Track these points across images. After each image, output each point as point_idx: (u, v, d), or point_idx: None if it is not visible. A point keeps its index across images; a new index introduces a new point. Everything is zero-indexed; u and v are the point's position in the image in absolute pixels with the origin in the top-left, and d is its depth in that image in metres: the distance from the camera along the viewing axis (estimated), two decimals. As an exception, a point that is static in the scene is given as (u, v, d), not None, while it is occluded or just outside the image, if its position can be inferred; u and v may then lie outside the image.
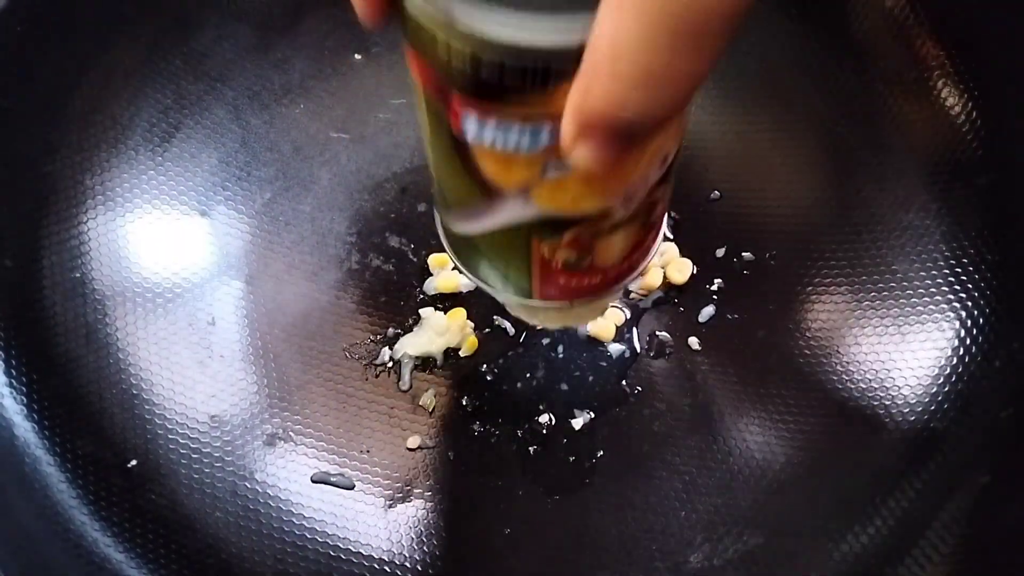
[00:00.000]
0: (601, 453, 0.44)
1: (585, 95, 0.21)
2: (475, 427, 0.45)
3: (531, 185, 0.27)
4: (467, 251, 0.34)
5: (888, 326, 0.44)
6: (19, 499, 0.39)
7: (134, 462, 0.41)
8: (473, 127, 0.25)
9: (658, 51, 0.19)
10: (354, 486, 0.43)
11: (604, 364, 0.47)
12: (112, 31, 0.47)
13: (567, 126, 0.22)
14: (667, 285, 0.48)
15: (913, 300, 0.44)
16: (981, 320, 0.42)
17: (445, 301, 0.48)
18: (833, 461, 0.41)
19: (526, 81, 0.22)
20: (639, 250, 0.33)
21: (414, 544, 0.42)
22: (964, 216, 0.44)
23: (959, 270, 0.43)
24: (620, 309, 0.48)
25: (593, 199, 0.28)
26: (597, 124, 0.21)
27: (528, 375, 0.46)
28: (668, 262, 0.49)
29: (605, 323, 0.47)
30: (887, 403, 0.42)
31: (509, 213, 0.28)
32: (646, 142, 0.25)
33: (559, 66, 0.22)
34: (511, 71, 0.22)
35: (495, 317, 0.47)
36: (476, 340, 0.47)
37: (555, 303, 0.35)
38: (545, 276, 0.32)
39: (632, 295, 0.48)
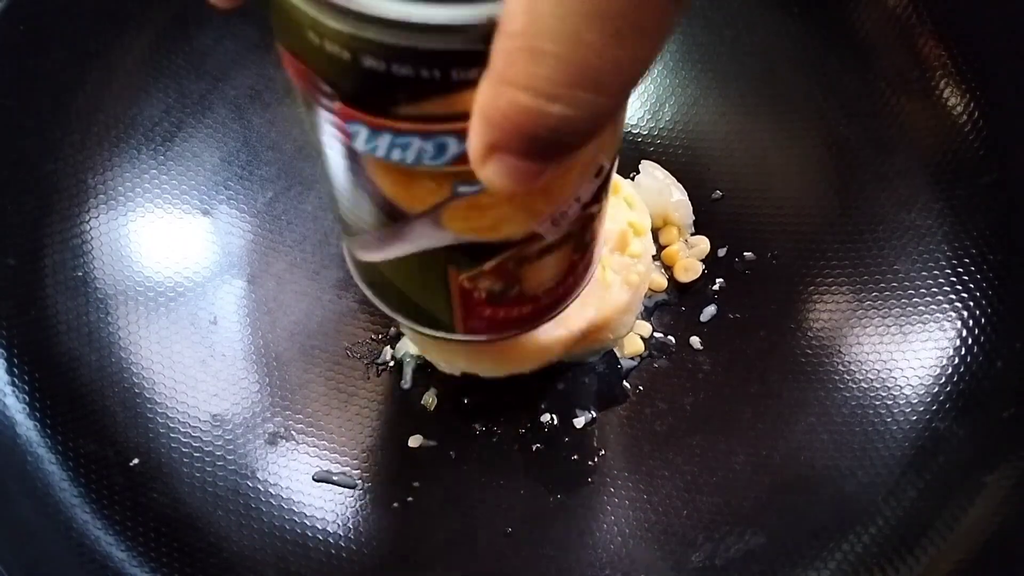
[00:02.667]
0: (603, 452, 0.44)
1: (496, 94, 0.16)
2: (477, 426, 0.45)
3: (440, 206, 0.22)
4: (377, 281, 0.29)
5: (890, 326, 0.44)
6: (21, 497, 0.39)
7: (136, 461, 0.41)
8: (364, 140, 0.20)
9: (591, 31, 0.14)
10: (356, 485, 0.43)
11: (605, 363, 0.47)
12: (114, 30, 0.47)
13: (475, 136, 0.17)
14: (671, 286, 0.49)
15: (915, 300, 0.44)
16: (983, 320, 0.42)
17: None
18: (834, 460, 0.41)
19: (421, 76, 0.18)
20: (573, 274, 0.29)
21: (416, 543, 0.42)
22: (966, 216, 0.44)
23: (961, 270, 0.43)
24: (644, 320, 0.48)
25: (515, 222, 0.24)
26: (513, 133, 0.16)
27: (530, 374, 0.46)
28: (702, 253, 0.49)
29: (632, 337, 0.47)
30: (889, 403, 0.42)
31: (418, 240, 0.24)
32: (574, 155, 0.19)
33: (462, 55, 0.17)
34: (401, 62, 0.17)
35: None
36: (478, 339, 0.47)
37: (481, 337, 0.30)
38: (468, 308, 0.28)
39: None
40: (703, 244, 0.49)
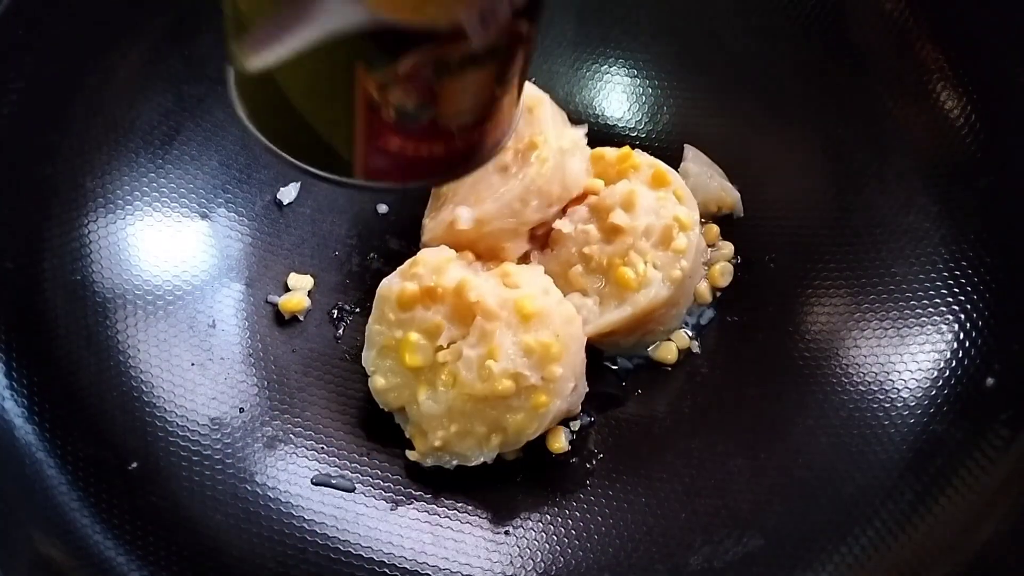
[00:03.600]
0: (601, 455, 0.44)
1: None
2: (475, 429, 0.45)
3: None
4: (267, 100, 0.25)
5: (887, 328, 0.44)
6: (20, 501, 0.39)
7: (135, 464, 0.41)
8: None
9: None
10: (355, 488, 0.43)
11: (604, 366, 0.47)
12: (113, 34, 0.47)
13: None
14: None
15: (912, 303, 0.44)
16: (980, 323, 0.42)
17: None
18: (832, 463, 0.41)
19: None
20: (491, 114, 0.26)
21: (415, 546, 0.42)
22: (963, 218, 0.44)
23: (958, 272, 0.43)
24: (685, 333, 0.47)
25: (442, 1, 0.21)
26: None
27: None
28: (727, 255, 0.49)
29: (668, 346, 0.47)
30: (886, 405, 0.42)
31: (329, 16, 0.21)
32: None
33: None
34: None
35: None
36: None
37: (382, 183, 0.27)
38: (373, 133, 0.25)
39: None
40: (727, 249, 0.49)
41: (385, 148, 0.25)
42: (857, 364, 0.43)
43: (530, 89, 0.46)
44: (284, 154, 0.26)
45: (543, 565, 0.41)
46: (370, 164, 0.26)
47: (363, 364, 0.43)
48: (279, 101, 0.25)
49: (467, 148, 0.26)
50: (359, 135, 0.24)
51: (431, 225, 0.46)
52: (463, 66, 0.23)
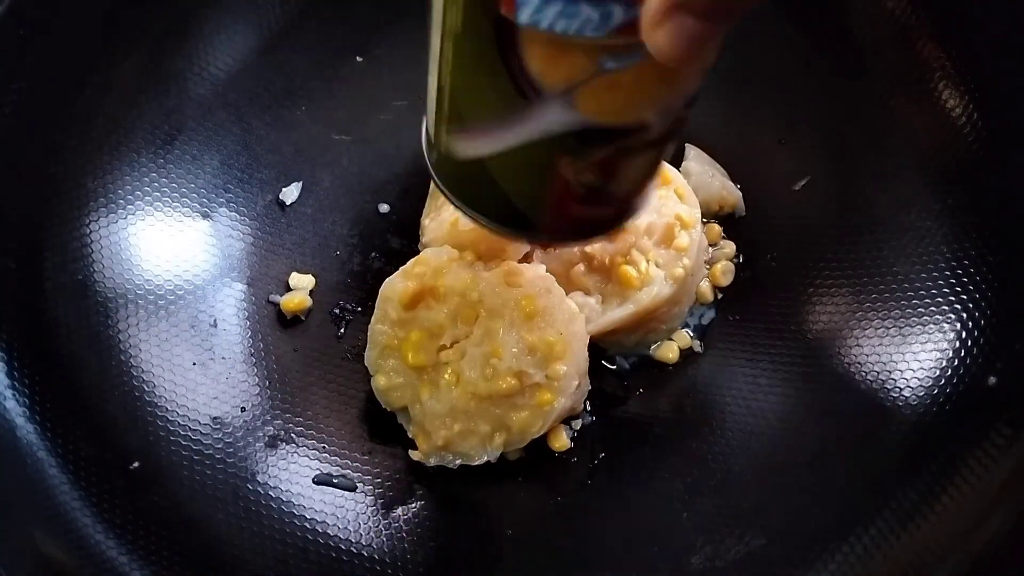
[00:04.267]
0: (603, 455, 0.44)
1: None
2: (477, 429, 0.45)
3: (580, 83, 0.24)
4: (468, 178, 0.30)
5: (889, 327, 0.44)
6: (22, 501, 0.39)
7: (136, 464, 0.41)
8: (532, 10, 0.21)
9: None
10: (356, 487, 0.43)
11: (605, 366, 0.47)
12: (114, 34, 0.47)
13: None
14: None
15: (914, 301, 0.44)
16: (982, 321, 0.42)
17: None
18: (834, 462, 0.41)
19: None
20: (648, 183, 0.31)
21: (416, 545, 0.42)
22: (965, 217, 0.44)
23: (960, 271, 0.43)
24: (687, 332, 0.47)
25: (639, 106, 0.25)
26: None
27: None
28: (728, 254, 0.49)
29: (670, 345, 0.47)
30: (888, 404, 0.42)
31: (545, 122, 0.25)
32: (732, 25, 0.22)
33: None
34: None
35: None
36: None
37: (559, 239, 0.32)
38: (559, 205, 0.29)
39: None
40: (729, 248, 0.49)
41: (568, 214, 0.29)
42: (859, 363, 0.43)
43: None
44: (479, 217, 0.31)
45: (544, 565, 0.41)
46: (553, 226, 0.30)
47: (365, 363, 0.43)
48: (482, 178, 0.29)
49: (630, 208, 0.31)
50: (549, 206, 0.29)
51: (431, 226, 0.46)
52: (640, 151, 0.28)
